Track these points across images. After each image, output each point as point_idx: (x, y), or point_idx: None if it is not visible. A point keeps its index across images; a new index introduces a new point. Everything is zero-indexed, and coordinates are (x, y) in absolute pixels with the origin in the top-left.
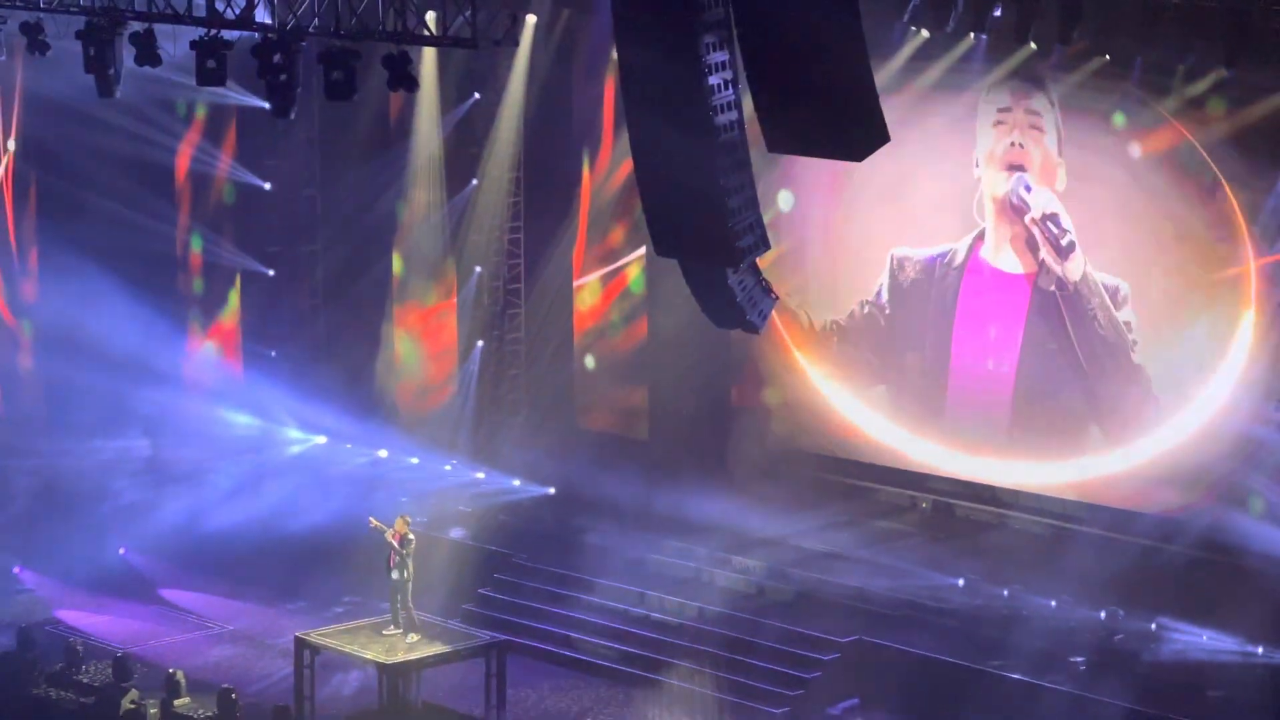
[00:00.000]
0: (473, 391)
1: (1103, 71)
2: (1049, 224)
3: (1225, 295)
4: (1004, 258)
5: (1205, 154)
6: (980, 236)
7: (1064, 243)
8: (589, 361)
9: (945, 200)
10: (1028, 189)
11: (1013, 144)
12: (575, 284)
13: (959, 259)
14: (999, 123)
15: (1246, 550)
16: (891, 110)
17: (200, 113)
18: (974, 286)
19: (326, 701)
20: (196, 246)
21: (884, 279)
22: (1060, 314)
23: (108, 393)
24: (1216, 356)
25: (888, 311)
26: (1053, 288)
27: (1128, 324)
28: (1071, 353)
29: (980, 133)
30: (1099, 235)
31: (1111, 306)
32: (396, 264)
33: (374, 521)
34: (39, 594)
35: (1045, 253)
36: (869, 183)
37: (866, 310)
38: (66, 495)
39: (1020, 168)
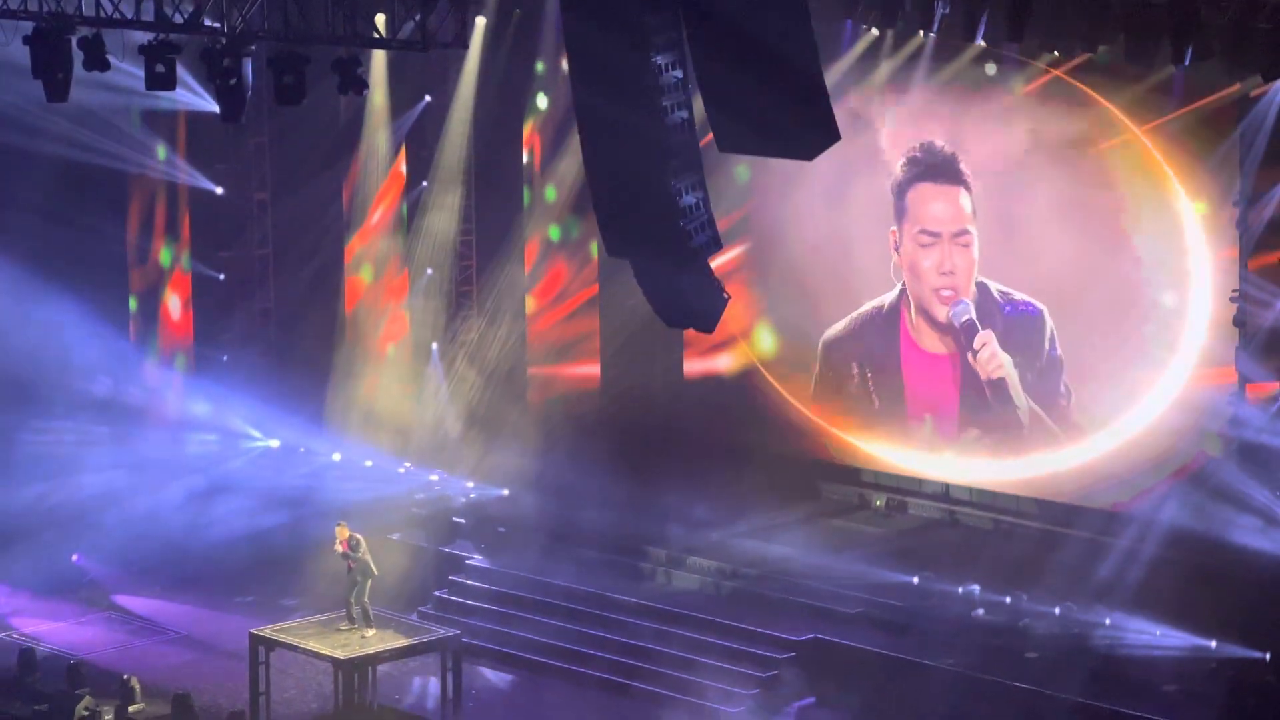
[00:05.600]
0: (426, 394)
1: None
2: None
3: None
4: (927, 341)
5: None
6: (902, 296)
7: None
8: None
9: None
10: (971, 325)
11: (943, 273)
12: (527, 285)
13: (888, 318)
14: (926, 245)
15: (1197, 545)
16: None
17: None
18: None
19: (282, 703)
20: (147, 251)
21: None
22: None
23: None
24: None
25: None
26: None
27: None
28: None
29: (898, 215)
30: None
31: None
32: (348, 268)
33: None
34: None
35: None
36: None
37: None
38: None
39: (952, 293)
